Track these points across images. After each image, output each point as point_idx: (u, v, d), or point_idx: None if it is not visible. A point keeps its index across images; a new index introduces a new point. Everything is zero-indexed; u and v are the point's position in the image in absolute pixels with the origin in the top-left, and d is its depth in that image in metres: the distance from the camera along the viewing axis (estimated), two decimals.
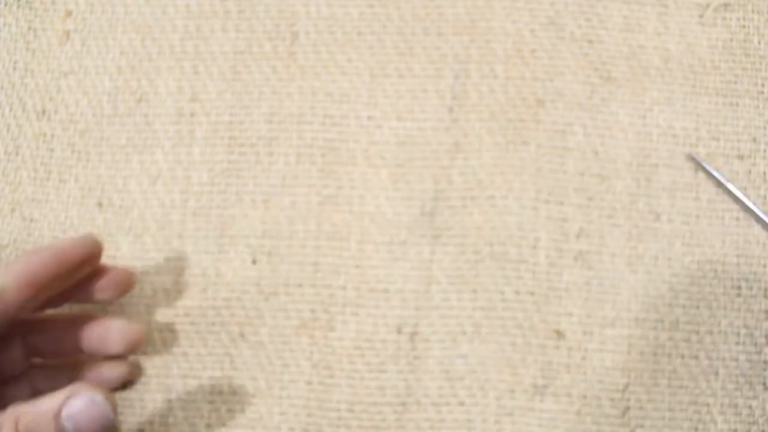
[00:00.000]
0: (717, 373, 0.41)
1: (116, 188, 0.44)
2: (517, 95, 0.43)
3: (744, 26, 0.44)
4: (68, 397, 0.32)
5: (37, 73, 0.45)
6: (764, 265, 0.42)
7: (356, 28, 0.45)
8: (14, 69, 0.46)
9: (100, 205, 0.44)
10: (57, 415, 0.32)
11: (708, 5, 0.44)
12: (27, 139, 0.45)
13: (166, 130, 0.44)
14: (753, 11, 0.44)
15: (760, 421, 0.40)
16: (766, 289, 0.42)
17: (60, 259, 0.36)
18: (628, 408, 0.41)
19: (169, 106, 0.44)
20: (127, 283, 0.40)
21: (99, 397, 0.32)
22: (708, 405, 0.41)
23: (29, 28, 0.46)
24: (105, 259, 0.43)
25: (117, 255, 0.43)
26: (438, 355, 0.42)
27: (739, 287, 0.42)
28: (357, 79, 0.44)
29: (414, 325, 0.42)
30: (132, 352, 0.40)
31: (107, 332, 0.39)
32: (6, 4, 0.46)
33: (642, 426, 0.41)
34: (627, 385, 0.41)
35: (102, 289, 0.39)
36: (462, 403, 0.41)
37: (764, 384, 0.41)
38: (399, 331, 0.42)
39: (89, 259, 0.37)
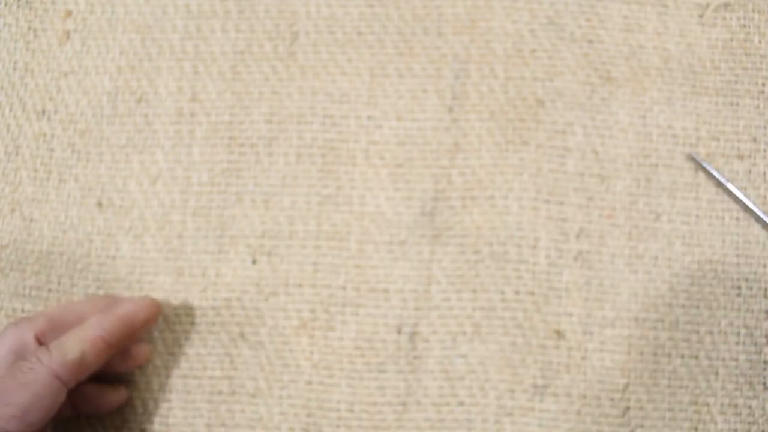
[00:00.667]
0: (717, 373, 0.41)
1: (116, 188, 0.44)
2: (517, 95, 0.43)
3: (744, 26, 0.44)
4: None
5: (37, 73, 0.45)
6: (764, 265, 0.42)
7: (356, 28, 0.45)
8: (14, 69, 0.46)
9: (100, 205, 0.44)
10: None
11: (708, 5, 0.44)
12: (27, 139, 0.45)
13: (166, 130, 0.44)
14: (753, 11, 0.44)
15: (760, 421, 0.40)
16: (766, 289, 0.42)
17: (129, 324, 0.39)
18: (628, 408, 0.41)
19: (169, 106, 0.44)
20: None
21: None
22: (708, 405, 0.41)
23: (29, 28, 0.46)
24: (104, 260, 0.43)
25: (117, 255, 0.43)
26: (438, 355, 0.42)
27: (739, 287, 0.42)
28: (357, 79, 0.44)
29: (414, 325, 0.42)
30: (134, 368, 0.42)
31: (113, 355, 0.40)
32: (6, 4, 0.46)
33: (642, 426, 0.41)
34: (627, 385, 0.41)
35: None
36: (462, 403, 0.41)
37: (764, 384, 0.41)
38: (399, 331, 0.42)
39: (150, 322, 0.41)
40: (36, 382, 0.35)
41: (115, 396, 0.41)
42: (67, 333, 0.37)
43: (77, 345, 0.36)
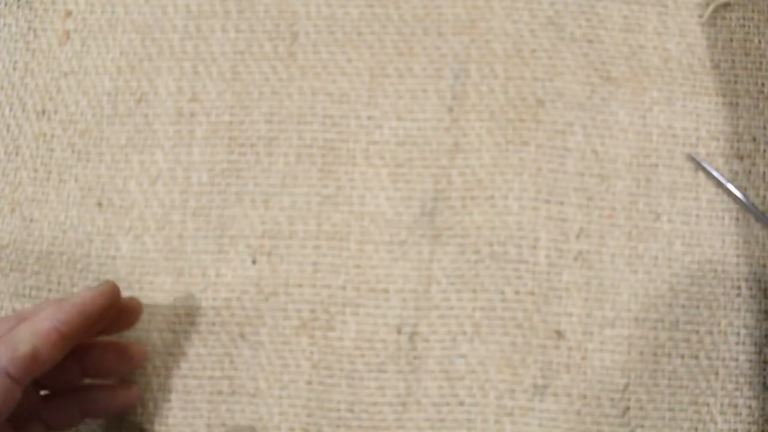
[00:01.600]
0: (717, 373, 0.41)
1: (116, 188, 0.44)
2: (517, 95, 0.43)
3: (744, 26, 0.44)
4: None
5: (37, 73, 0.45)
6: (764, 265, 0.42)
7: (356, 28, 0.45)
8: (14, 69, 0.46)
9: (100, 205, 0.44)
10: None
11: (708, 5, 0.44)
12: (27, 139, 0.45)
13: (166, 130, 0.44)
14: (753, 11, 0.44)
15: (760, 421, 0.40)
16: (766, 289, 0.42)
17: (85, 313, 0.36)
18: (628, 408, 0.41)
19: (169, 106, 0.44)
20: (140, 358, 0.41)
21: None
22: (708, 405, 0.41)
23: (29, 28, 0.46)
24: (104, 260, 0.43)
25: (117, 255, 0.43)
26: (438, 355, 0.42)
27: (739, 287, 0.42)
28: (357, 79, 0.44)
29: (414, 325, 0.42)
30: (131, 371, 0.41)
31: (105, 356, 0.40)
32: (6, 4, 0.46)
33: (642, 426, 0.41)
34: (627, 385, 0.41)
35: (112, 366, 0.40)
36: (462, 403, 0.41)
37: (764, 384, 0.41)
38: (399, 331, 0.42)
39: (110, 307, 0.38)
40: None
41: (127, 395, 0.40)
42: (18, 326, 0.34)
43: (28, 338, 0.34)
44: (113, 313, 0.39)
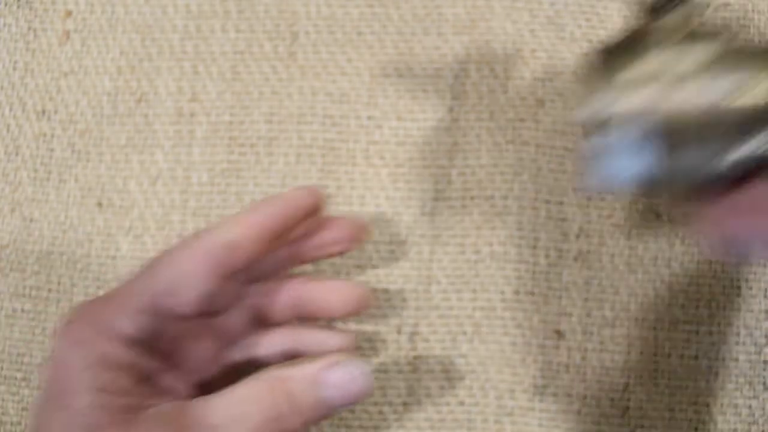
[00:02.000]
0: (717, 373, 0.41)
1: (116, 188, 0.44)
2: (517, 95, 0.43)
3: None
4: (331, 365, 0.31)
5: (37, 73, 0.45)
6: (764, 265, 0.42)
7: (356, 28, 0.45)
8: (14, 69, 0.46)
9: (100, 205, 0.44)
10: (319, 383, 0.31)
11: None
12: (27, 139, 0.45)
13: (166, 130, 0.44)
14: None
15: (760, 421, 0.40)
16: (766, 289, 0.42)
17: (290, 209, 0.35)
18: (628, 408, 0.41)
19: (169, 106, 0.44)
20: (360, 233, 0.38)
21: (364, 367, 0.31)
22: (708, 405, 0.41)
23: (29, 28, 0.46)
24: (104, 260, 0.43)
25: (117, 255, 0.43)
26: (438, 355, 0.42)
27: (739, 287, 0.42)
28: (357, 79, 0.44)
29: (414, 325, 0.42)
30: (354, 314, 0.38)
31: (327, 293, 0.37)
32: (6, 4, 0.46)
33: (642, 426, 0.41)
34: (627, 385, 0.41)
35: (336, 242, 0.37)
36: (462, 403, 0.41)
37: (764, 384, 0.41)
38: (399, 331, 0.42)
39: (315, 210, 0.37)
40: (189, 259, 0.32)
41: (337, 341, 0.37)
42: (225, 218, 0.34)
43: (234, 227, 0.33)
44: (319, 226, 0.37)
